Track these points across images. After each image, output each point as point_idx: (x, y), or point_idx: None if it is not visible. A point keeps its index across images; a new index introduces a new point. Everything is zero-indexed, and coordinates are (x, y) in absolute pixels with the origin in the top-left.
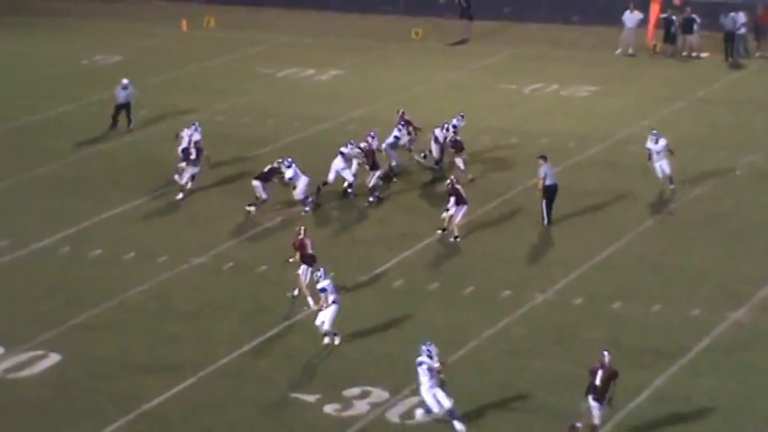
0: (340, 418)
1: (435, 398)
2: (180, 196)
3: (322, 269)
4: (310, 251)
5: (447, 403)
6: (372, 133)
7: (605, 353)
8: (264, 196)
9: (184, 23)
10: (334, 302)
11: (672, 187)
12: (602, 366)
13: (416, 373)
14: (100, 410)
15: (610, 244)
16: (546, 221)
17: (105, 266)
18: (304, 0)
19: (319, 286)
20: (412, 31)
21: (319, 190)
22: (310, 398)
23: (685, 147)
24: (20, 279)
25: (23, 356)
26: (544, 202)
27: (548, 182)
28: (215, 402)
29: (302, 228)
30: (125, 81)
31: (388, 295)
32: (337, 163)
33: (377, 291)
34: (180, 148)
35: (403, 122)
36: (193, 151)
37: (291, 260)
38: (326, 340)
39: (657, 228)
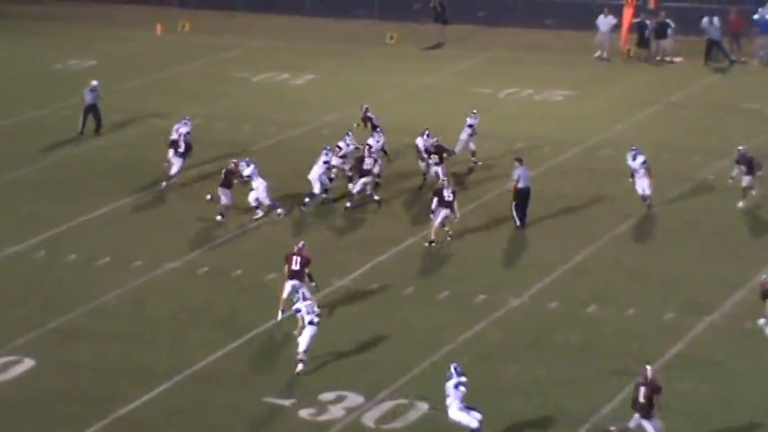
0: (316, 423)
1: (470, 415)
2: (163, 184)
3: (301, 292)
4: (294, 267)
5: (479, 416)
6: (348, 133)
7: (648, 368)
8: (227, 202)
9: (158, 27)
10: (310, 323)
11: (648, 204)
12: (645, 382)
13: (448, 395)
14: (76, 415)
15: (584, 248)
16: (519, 224)
17: (80, 271)
18: (278, 4)
19: (294, 307)
20: (386, 35)
21: (305, 205)
22: (286, 403)
23: (659, 151)
24: None
25: None
26: (515, 204)
27: (521, 185)
28: (190, 407)
29: (301, 243)
30: (94, 83)
31: (364, 300)
32: (316, 171)
33: (353, 295)
34: (169, 140)
35: (369, 122)
36: (182, 144)
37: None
38: (300, 366)
39: (631, 232)
